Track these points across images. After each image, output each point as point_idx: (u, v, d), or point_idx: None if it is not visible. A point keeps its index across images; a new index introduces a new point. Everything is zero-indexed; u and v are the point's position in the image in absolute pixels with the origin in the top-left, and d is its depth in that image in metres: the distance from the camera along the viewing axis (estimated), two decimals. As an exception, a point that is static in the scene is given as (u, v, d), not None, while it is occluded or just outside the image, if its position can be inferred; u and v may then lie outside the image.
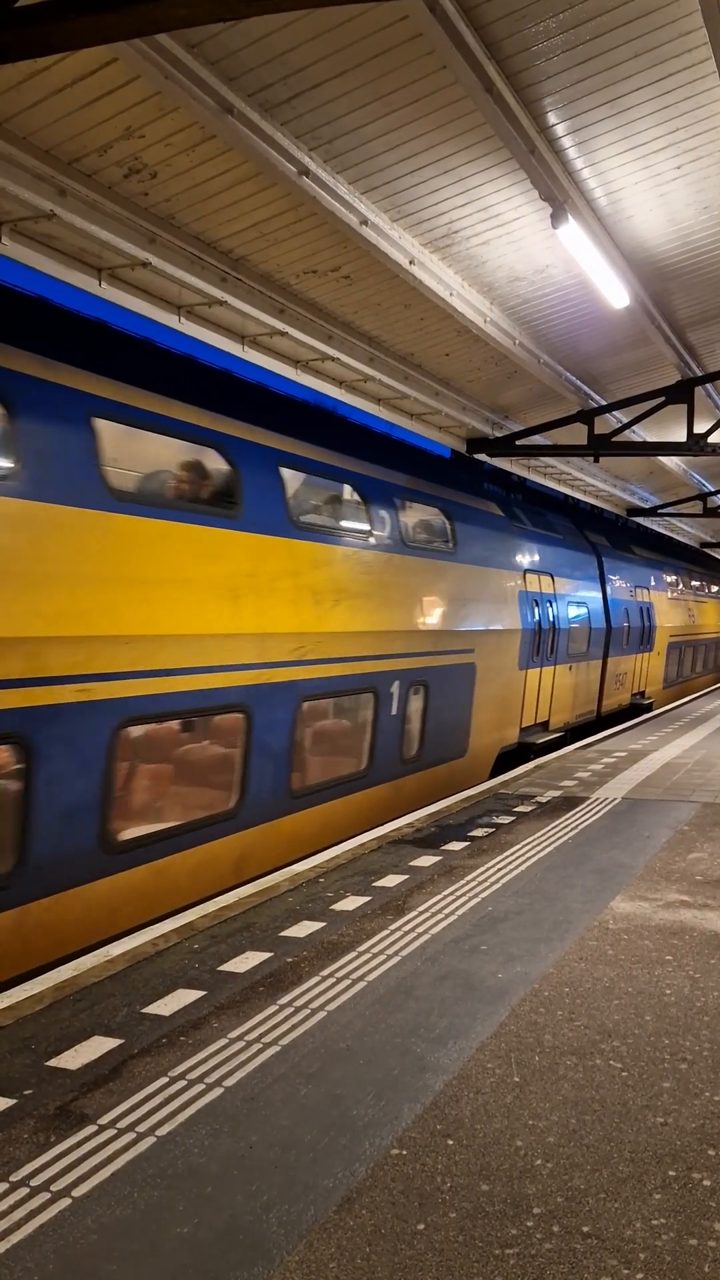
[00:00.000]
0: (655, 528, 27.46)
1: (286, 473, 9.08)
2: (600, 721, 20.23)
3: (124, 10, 4.18)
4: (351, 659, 9.69)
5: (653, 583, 24.82)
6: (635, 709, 22.91)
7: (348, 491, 10.54)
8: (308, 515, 9.68)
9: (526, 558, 15.35)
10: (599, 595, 19.38)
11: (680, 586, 28.84)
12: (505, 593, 14.20)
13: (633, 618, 22.04)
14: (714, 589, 35.94)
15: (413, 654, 11.10)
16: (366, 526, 10.50)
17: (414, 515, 11.91)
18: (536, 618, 15.36)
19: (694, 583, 31.50)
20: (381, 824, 9.77)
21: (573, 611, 17.50)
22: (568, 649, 17.12)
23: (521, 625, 14.61)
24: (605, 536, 22.15)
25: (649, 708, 23.82)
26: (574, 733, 18.23)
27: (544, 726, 16.53)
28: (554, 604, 16.40)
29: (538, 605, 15.49)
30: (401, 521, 11.21)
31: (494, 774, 14.04)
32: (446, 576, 12.25)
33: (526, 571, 15.19)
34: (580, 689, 18.45)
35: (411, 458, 12.66)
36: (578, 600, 17.86)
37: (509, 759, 14.83)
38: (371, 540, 10.46)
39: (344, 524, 10.39)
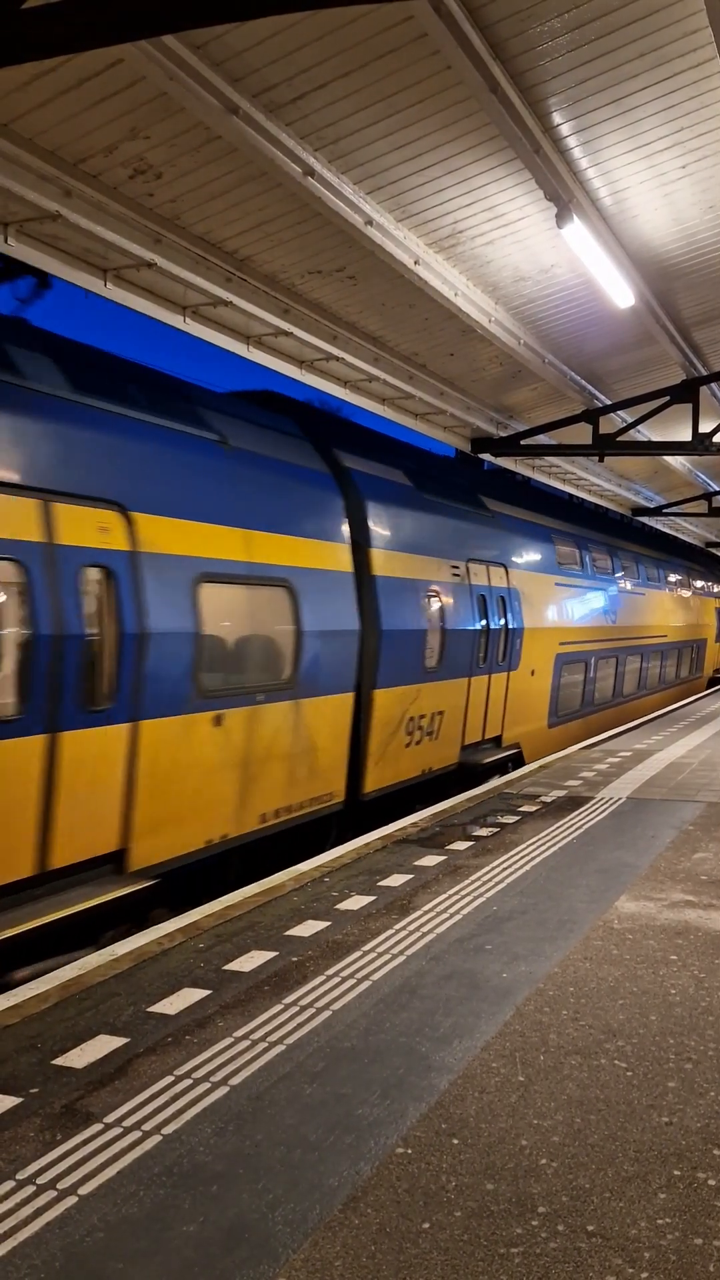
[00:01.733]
0: (661, 527, 27.12)
1: None
2: (358, 812, 10.67)
3: (128, 11, 4.20)
4: None
5: (522, 556, 15.19)
6: (470, 774, 13.15)
7: None
8: None
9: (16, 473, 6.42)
10: (347, 571, 10.26)
11: (588, 566, 18.60)
12: None
13: (454, 613, 12.51)
14: (654, 571, 24.40)
15: None
16: None
17: None
18: (48, 617, 6.47)
19: (615, 561, 20.73)
20: None
21: (226, 597, 8.39)
22: (196, 681, 7.84)
23: None
24: (403, 468, 12.33)
25: (512, 763, 14.50)
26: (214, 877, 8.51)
27: (114, 864, 7.16)
28: (151, 584, 7.40)
29: (52, 587, 6.56)
30: None
31: None
32: None
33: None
34: (267, 763, 8.91)
35: None
36: (255, 575, 8.75)
37: None
38: None
39: None
